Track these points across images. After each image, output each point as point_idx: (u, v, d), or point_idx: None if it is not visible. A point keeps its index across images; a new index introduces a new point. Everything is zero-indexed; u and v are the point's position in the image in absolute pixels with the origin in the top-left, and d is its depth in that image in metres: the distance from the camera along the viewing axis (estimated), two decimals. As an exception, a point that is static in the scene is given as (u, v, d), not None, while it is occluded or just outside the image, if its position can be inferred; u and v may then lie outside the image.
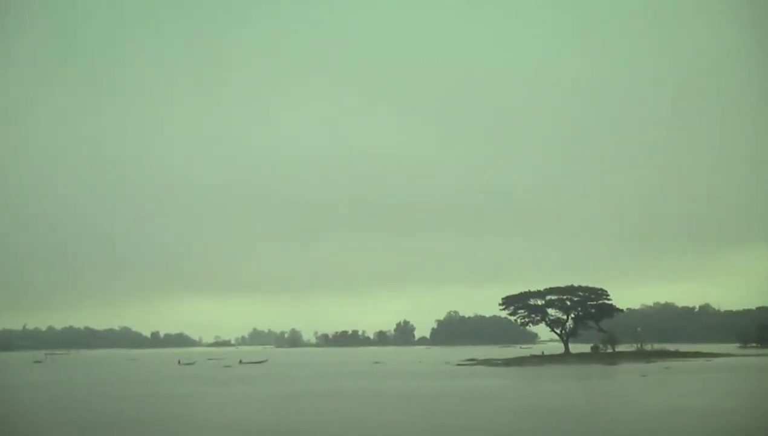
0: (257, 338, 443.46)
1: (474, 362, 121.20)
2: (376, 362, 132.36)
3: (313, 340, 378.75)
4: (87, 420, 43.71)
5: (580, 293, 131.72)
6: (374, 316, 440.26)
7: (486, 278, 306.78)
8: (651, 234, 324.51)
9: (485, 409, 46.76)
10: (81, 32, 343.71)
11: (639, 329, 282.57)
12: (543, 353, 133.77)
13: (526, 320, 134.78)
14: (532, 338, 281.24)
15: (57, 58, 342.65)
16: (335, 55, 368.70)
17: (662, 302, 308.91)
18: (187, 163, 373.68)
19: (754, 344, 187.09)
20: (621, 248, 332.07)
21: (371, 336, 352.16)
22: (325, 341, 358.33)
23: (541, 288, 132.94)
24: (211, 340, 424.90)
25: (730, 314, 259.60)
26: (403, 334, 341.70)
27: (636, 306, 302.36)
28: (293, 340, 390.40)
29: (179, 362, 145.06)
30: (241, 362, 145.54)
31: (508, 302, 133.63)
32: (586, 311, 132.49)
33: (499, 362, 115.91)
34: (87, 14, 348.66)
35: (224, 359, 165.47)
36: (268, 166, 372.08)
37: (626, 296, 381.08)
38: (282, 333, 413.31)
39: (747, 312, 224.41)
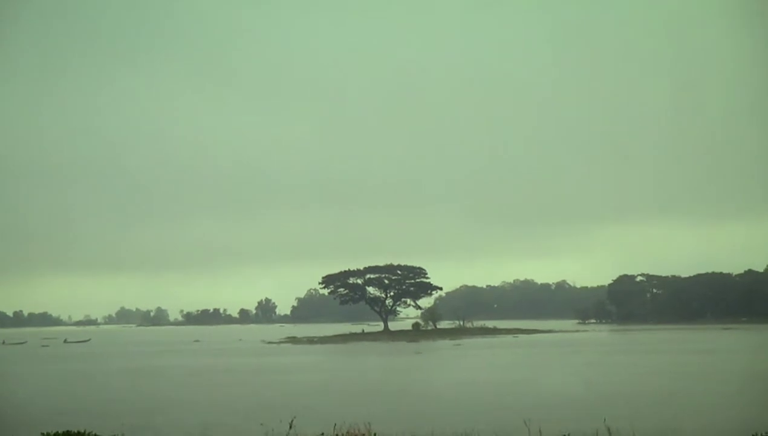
0: (124, 316, 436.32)
1: (288, 340, 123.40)
2: (196, 341, 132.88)
3: (180, 318, 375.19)
4: None
5: (399, 272, 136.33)
6: (239, 294, 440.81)
7: (346, 256, 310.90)
8: (513, 211, 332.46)
9: (222, 383, 52.26)
10: None
11: (495, 305, 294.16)
12: (363, 330, 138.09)
13: (346, 298, 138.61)
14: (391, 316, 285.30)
15: None
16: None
17: (522, 278, 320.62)
18: (52, 138, 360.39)
19: (592, 321, 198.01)
20: (483, 225, 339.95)
21: (234, 314, 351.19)
22: (188, 319, 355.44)
23: (361, 267, 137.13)
24: (80, 319, 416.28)
25: (585, 290, 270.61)
26: (265, 312, 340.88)
27: (496, 283, 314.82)
28: (157, 318, 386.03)
29: (3, 342, 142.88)
30: (66, 341, 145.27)
31: (327, 280, 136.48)
32: (404, 289, 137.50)
33: (304, 340, 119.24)
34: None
35: (56, 338, 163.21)
36: (130, 145, 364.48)
37: (488, 273, 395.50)
38: (148, 312, 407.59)
39: (600, 288, 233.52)
